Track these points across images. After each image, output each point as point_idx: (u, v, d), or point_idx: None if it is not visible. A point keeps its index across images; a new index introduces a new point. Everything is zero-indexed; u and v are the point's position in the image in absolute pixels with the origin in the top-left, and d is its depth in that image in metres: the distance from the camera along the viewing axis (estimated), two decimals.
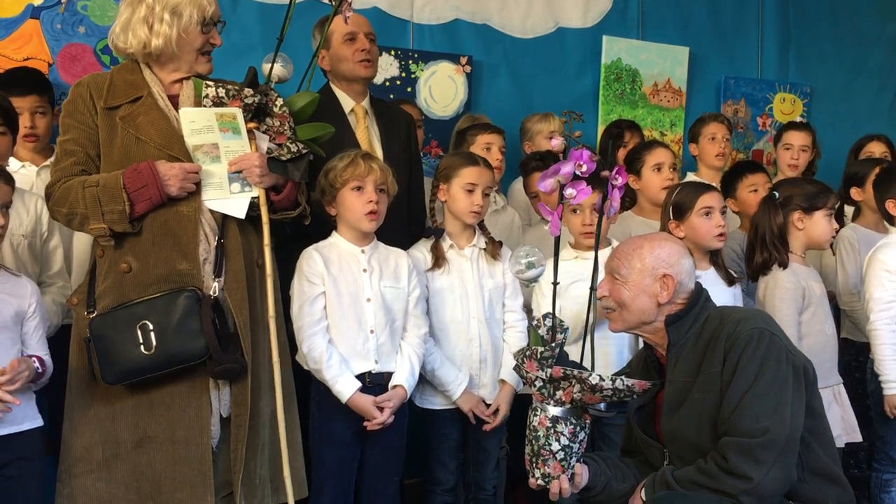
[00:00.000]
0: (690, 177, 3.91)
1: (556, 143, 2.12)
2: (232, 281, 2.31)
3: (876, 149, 3.93)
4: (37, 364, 2.25)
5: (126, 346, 2.22)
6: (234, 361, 2.25)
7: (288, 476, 2.30)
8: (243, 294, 2.32)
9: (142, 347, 2.22)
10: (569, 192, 2.05)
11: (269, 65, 2.42)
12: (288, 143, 2.31)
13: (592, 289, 2.19)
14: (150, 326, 2.22)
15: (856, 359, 3.37)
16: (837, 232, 3.24)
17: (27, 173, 2.90)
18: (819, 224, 2.89)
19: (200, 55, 2.38)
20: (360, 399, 2.52)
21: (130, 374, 2.24)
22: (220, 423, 2.33)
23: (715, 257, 2.90)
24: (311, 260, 2.58)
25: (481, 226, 2.89)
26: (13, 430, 2.21)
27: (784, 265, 2.84)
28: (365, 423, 2.54)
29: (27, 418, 2.25)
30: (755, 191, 3.34)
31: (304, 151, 2.34)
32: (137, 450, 2.26)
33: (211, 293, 2.28)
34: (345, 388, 2.51)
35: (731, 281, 2.89)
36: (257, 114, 2.31)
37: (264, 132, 2.31)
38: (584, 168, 2.03)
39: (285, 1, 2.41)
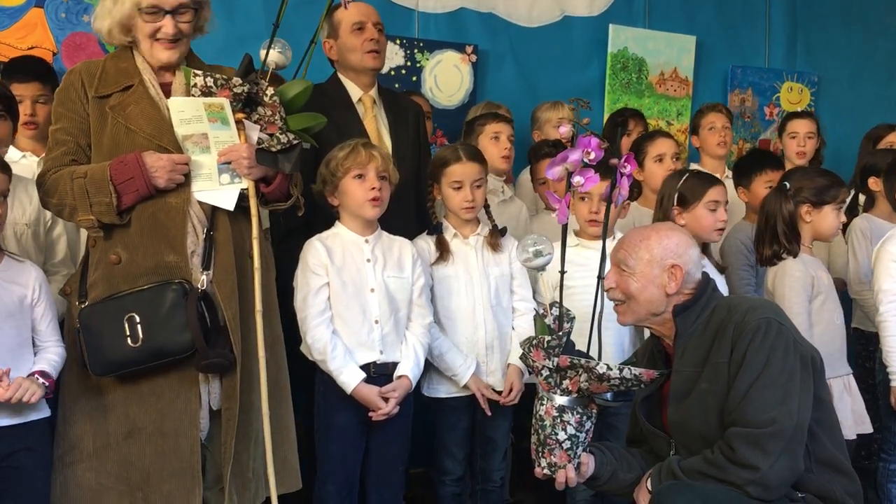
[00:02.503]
0: (694, 168, 3.88)
1: (565, 131, 2.10)
2: (221, 273, 2.27)
3: None
4: (42, 381, 2.22)
5: (113, 338, 2.20)
6: (220, 356, 2.22)
7: (272, 473, 2.27)
8: (233, 287, 2.28)
9: (129, 340, 2.20)
10: (577, 179, 2.03)
11: (268, 51, 2.38)
12: (278, 134, 2.27)
13: (600, 277, 2.17)
14: (137, 319, 2.20)
15: (866, 348, 3.36)
16: (847, 224, 3.22)
17: (28, 163, 2.88)
18: (827, 218, 2.88)
19: (155, 42, 2.30)
20: (365, 390, 2.52)
21: (117, 366, 2.23)
22: (211, 416, 2.31)
23: (704, 247, 2.89)
24: (315, 250, 2.57)
25: (488, 212, 2.89)
26: (20, 420, 2.21)
27: (795, 255, 2.83)
28: (370, 414, 2.54)
29: (33, 410, 2.24)
30: (771, 188, 3.31)
31: (294, 142, 2.29)
32: (127, 440, 2.25)
33: (199, 286, 2.25)
34: (349, 378, 2.51)
35: (721, 269, 2.93)
36: (248, 103, 2.26)
37: (256, 122, 2.26)
38: (592, 156, 2.01)
39: None
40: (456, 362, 2.74)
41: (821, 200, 2.87)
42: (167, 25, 2.28)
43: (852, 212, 3.51)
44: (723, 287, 2.89)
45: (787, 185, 2.91)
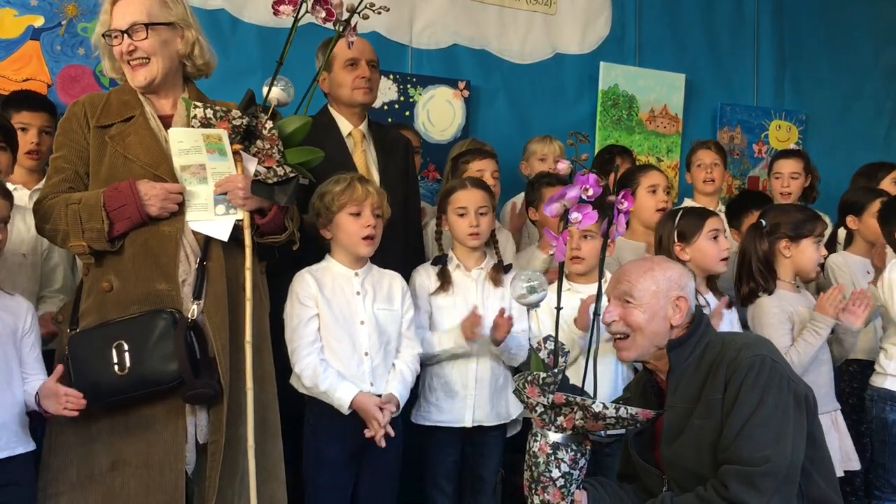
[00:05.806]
0: (687, 202, 3.91)
1: (563, 167, 2.10)
2: (212, 304, 2.26)
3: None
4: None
5: (100, 366, 2.18)
6: (206, 386, 2.19)
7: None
8: (223, 317, 2.27)
9: (115, 367, 2.17)
10: (574, 216, 2.04)
11: (271, 87, 2.39)
12: (275, 167, 2.28)
13: (597, 314, 2.17)
14: (126, 347, 2.18)
15: (849, 384, 3.35)
16: (826, 258, 3.21)
17: (19, 195, 2.86)
18: (806, 252, 2.88)
19: (126, 65, 2.34)
20: (364, 400, 2.47)
21: (103, 395, 2.20)
22: (199, 450, 2.28)
23: (713, 283, 2.90)
24: (304, 282, 2.57)
25: (495, 246, 2.90)
26: (4, 454, 2.17)
27: (770, 293, 2.83)
28: (365, 432, 2.47)
29: (20, 443, 2.22)
30: None
31: (291, 175, 2.31)
32: (112, 472, 2.21)
33: (189, 315, 2.24)
34: (344, 394, 2.47)
35: (729, 304, 2.88)
36: (247, 136, 2.28)
37: (254, 155, 2.28)
38: (591, 192, 2.02)
39: (285, 24, 2.39)
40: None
41: (798, 234, 2.87)
42: (123, 44, 2.31)
43: (830, 248, 3.52)
44: (734, 324, 2.87)
45: (763, 222, 2.91)
